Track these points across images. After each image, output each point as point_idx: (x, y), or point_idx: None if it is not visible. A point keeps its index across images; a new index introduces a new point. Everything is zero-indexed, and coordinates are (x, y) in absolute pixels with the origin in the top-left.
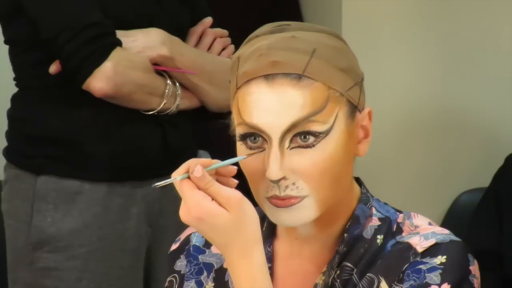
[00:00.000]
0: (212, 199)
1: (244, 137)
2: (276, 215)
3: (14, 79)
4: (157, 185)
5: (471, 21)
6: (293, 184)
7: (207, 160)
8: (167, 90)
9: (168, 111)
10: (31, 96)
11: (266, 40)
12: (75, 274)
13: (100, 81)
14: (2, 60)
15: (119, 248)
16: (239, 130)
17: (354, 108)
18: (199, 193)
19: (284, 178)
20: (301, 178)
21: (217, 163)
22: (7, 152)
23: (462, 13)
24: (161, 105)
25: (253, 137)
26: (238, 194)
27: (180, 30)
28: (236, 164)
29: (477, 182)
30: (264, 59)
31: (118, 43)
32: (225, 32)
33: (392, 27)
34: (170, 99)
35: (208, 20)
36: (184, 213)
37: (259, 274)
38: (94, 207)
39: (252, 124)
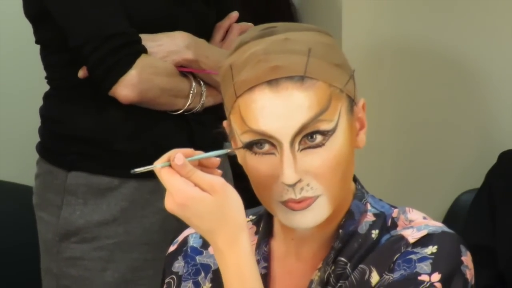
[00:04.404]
0: (195, 186)
1: (250, 145)
2: (291, 218)
3: (46, 77)
4: (136, 171)
5: (472, 28)
6: (308, 185)
7: (189, 150)
8: (192, 91)
9: (193, 110)
10: (62, 96)
11: (259, 45)
12: (100, 264)
13: (125, 89)
14: (35, 58)
15: (144, 241)
16: (244, 138)
17: (352, 102)
18: (182, 180)
19: (299, 180)
20: (314, 178)
21: (199, 154)
22: (40, 148)
23: (466, 25)
24: (186, 106)
25: (259, 144)
26: (220, 179)
27: (206, 29)
28: (233, 165)
29: (477, 182)
30: (263, 65)
31: (143, 51)
32: (250, 25)
33: (392, 27)
34: (195, 99)
35: (235, 14)
36: (168, 202)
37: (246, 260)
38: (122, 202)
39: (261, 131)
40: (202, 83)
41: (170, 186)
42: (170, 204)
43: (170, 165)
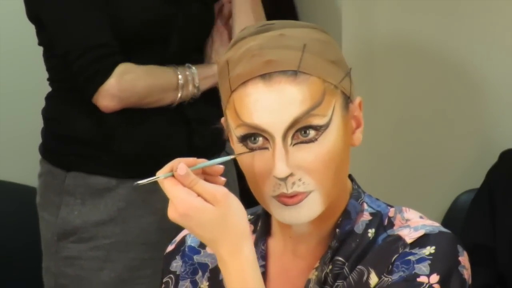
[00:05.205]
0: (198, 196)
1: (244, 139)
2: (284, 214)
3: (48, 79)
4: (140, 183)
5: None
6: (299, 180)
7: (192, 159)
8: (180, 81)
9: (191, 97)
10: (62, 97)
11: (255, 41)
12: (97, 264)
13: (105, 99)
14: (39, 59)
15: (142, 241)
16: (238, 132)
17: (347, 99)
18: (184, 190)
19: (291, 174)
20: (307, 173)
21: (202, 163)
22: (42, 148)
23: (467, 26)
24: (178, 97)
25: (253, 138)
26: (223, 189)
27: (204, 32)
28: (236, 165)
29: (477, 182)
30: (257, 59)
31: (122, 60)
32: None
33: (392, 27)
34: (185, 87)
35: None
36: (171, 211)
37: (249, 269)
38: (120, 202)
39: (254, 125)
40: (193, 68)
41: (172, 196)
42: (173, 213)
43: (173, 175)
